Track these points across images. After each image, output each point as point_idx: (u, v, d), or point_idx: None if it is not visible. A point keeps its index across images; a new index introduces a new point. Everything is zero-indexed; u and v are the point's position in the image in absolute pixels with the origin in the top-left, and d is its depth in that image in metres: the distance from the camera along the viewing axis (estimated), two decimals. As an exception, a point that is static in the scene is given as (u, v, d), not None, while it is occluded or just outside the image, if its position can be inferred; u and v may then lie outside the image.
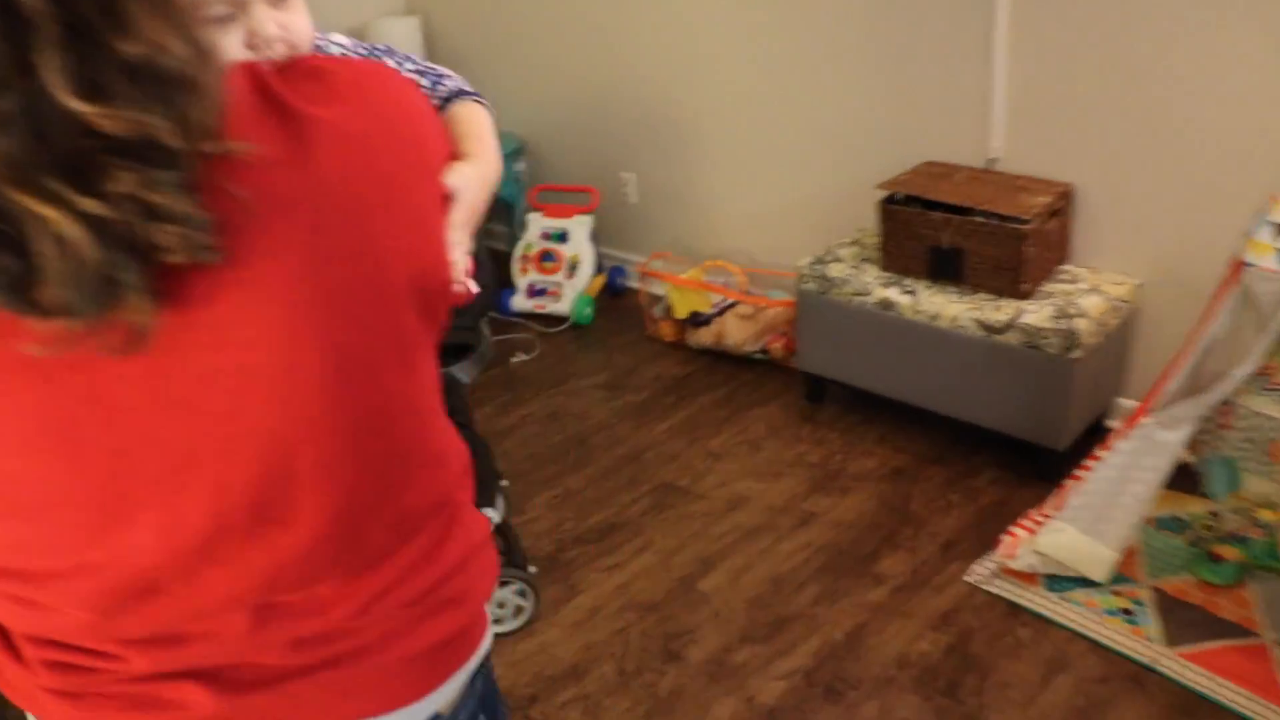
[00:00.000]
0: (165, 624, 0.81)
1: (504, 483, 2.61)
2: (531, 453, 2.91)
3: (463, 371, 2.09)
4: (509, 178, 3.96)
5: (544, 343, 3.55)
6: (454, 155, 0.86)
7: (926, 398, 2.76)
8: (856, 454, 2.82)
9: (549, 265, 3.69)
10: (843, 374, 2.92)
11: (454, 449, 0.93)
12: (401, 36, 4.00)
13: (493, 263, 1.92)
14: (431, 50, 4.17)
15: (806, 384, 3.05)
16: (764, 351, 3.24)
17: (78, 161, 0.59)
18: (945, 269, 2.69)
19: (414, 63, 1.07)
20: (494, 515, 2.23)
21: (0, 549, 0.76)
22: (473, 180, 0.85)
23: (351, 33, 4.06)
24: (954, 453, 2.78)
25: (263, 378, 0.71)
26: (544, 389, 3.25)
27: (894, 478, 2.71)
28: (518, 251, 3.76)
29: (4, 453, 0.70)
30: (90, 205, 0.59)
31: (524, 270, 3.73)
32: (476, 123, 0.98)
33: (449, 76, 1.07)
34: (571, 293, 3.64)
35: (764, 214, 3.42)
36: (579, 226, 3.68)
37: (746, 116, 3.32)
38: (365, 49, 1.05)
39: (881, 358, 2.80)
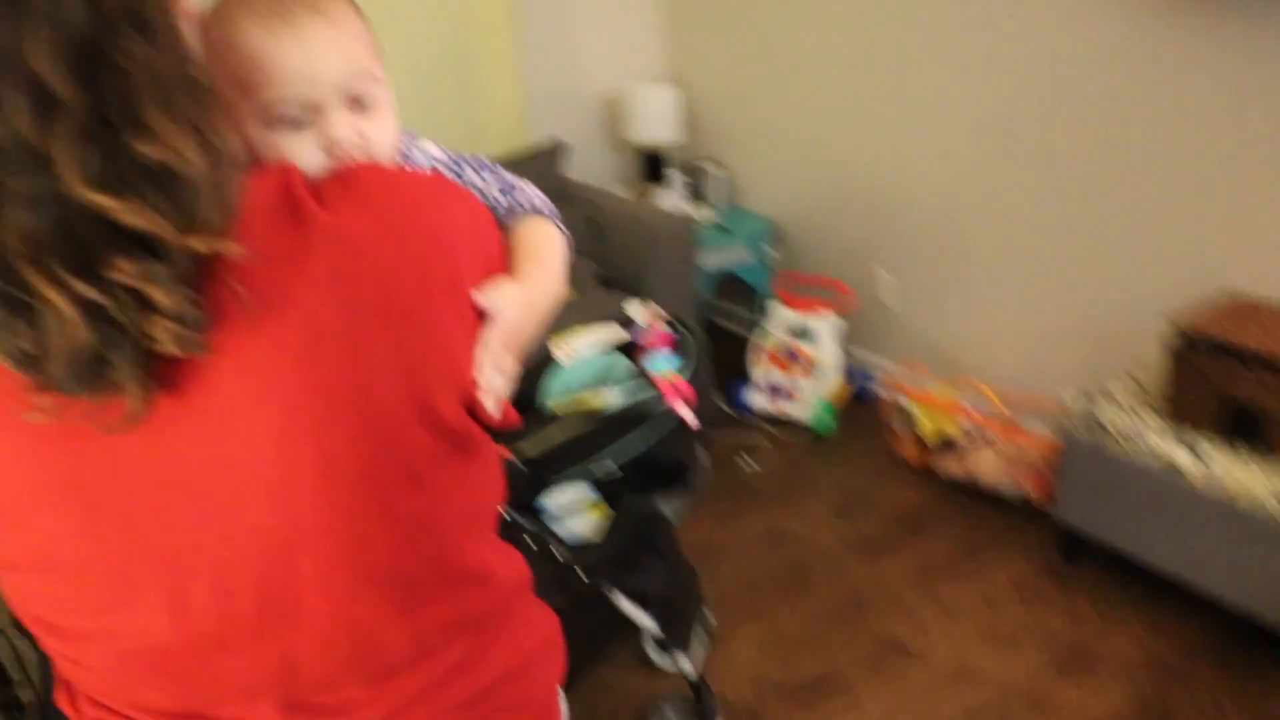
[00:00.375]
0: (187, 703, 0.82)
1: (708, 613, 2.44)
2: (745, 577, 2.72)
3: (669, 507, 1.95)
4: (756, 260, 3.80)
5: (777, 450, 3.34)
6: (503, 271, 0.85)
7: (1207, 578, 2.35)
8: (1112, 632, 2.44)
9: (790, 363, 3.49)
10: (1106, 533, 2.55)
11: (501, 564, 0.91)
12: (660, 106, 3.94)
13: (710, 399, 1.76)
14: (689, 121, 4.08)
15: (1062, 538, 2.69)
16: (1016, 491, 2.90)
17: (82, 247, 0.62)
18: (1244, 430, 2.29)
19: (498, 177, 1.03)
20: (686, 667, 2.06)
21: (38, 602, 0.80)
22: (515, 300, 0.82)
23: (610, 99, 4.01)
24: (1235, 652, 2.36)
25: (261, 475, 0.73)
26: (769, 503, 3.05)
27: (1156, 670, 2.32)
28: (758, 342, 3.58)
29: (35, 510, 0.74)
30: (87, 291, 0.63)
31: (762, 364, 3.55)
32: (538, 242, 0.94)
33: (527, 194, 1.04)
34: (812, 397, 3.43)
35: (1028, 331, 3.08)
36: (826, 325, 3.47)
37: (1016, 220, 3.01)
38: (453, 158, 1.03)
39: (1156, 523, 2.42)
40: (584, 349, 1.95)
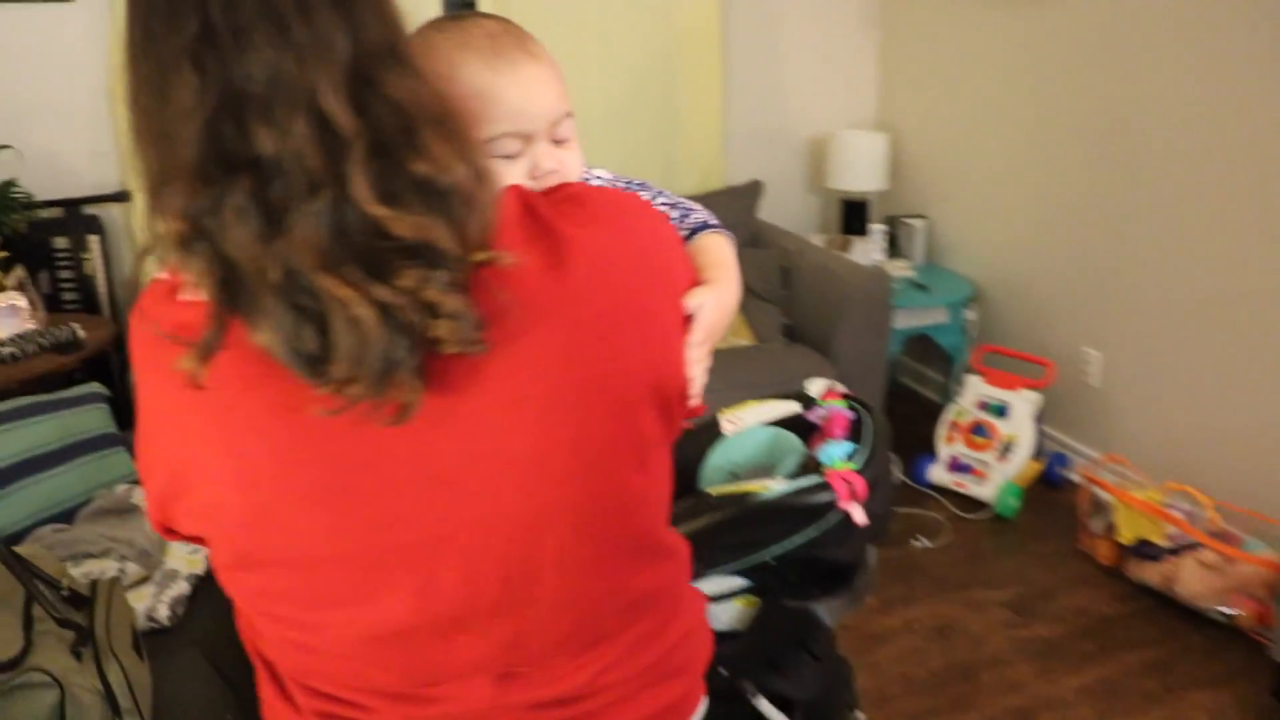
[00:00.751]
0: (416, 681, 0.88)
1: (860, 717, 2.26)
2: (905, 673, 2.52)
3: (829, 611, 1.80)
4: (954, 326, 3.58)
5: (954, 529, 3.11)
6: (696, 281, 0.94)
7: None
8: (1330, 797, 2.13)
9: (980, 440, 3.26)
10: (1330, 681, 2.24)
11: (678, 543, 1.02)
12: (866, 150, 3.80)
13: (890, 489, 1.62)
14: (894, 168, 3.90)
15: (1277, 675, 2.38)
16: (1226, 615, 2.59)
17: (371, 256, 0.69)
18: None
19: (666, 197, 1.15)
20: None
21: (277, 596, 0.85)
22: (710, 304, 0.93)
23: (813, 142, 3.95)
24: None
25: (516, 464, 0.79)
26: (940, 590, 2.83)
27: None
28: (947, 415, 3.36)
29: (285, 505, 0.79)
30: (381, 293, 0.69)
31: (950, 439, 3.33)
32: (719, 252, 1.05)
33: (697, 210, 1.14)
34: (999, 477, 3.19)
35: (1258, 438, 2.76)
36: (1024, 403, 3.22)
37: (1258, 311, 2.70)
38: (624, 183, 1.14)
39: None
40: (752, 421, 1.83)
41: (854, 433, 1.66)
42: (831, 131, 3.88)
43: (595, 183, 1.07)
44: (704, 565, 1.58)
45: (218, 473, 0.80)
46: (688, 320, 0.91)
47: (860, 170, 3.81)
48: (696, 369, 0.92)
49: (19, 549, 1.78)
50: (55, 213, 3.06)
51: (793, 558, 1.54)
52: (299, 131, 0.68)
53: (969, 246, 3.74)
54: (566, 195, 0.85)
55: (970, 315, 3.66)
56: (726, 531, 1.54)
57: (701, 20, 3.66)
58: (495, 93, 0.88)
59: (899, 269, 3.71)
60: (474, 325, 0.73)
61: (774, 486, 1.54)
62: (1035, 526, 3.12)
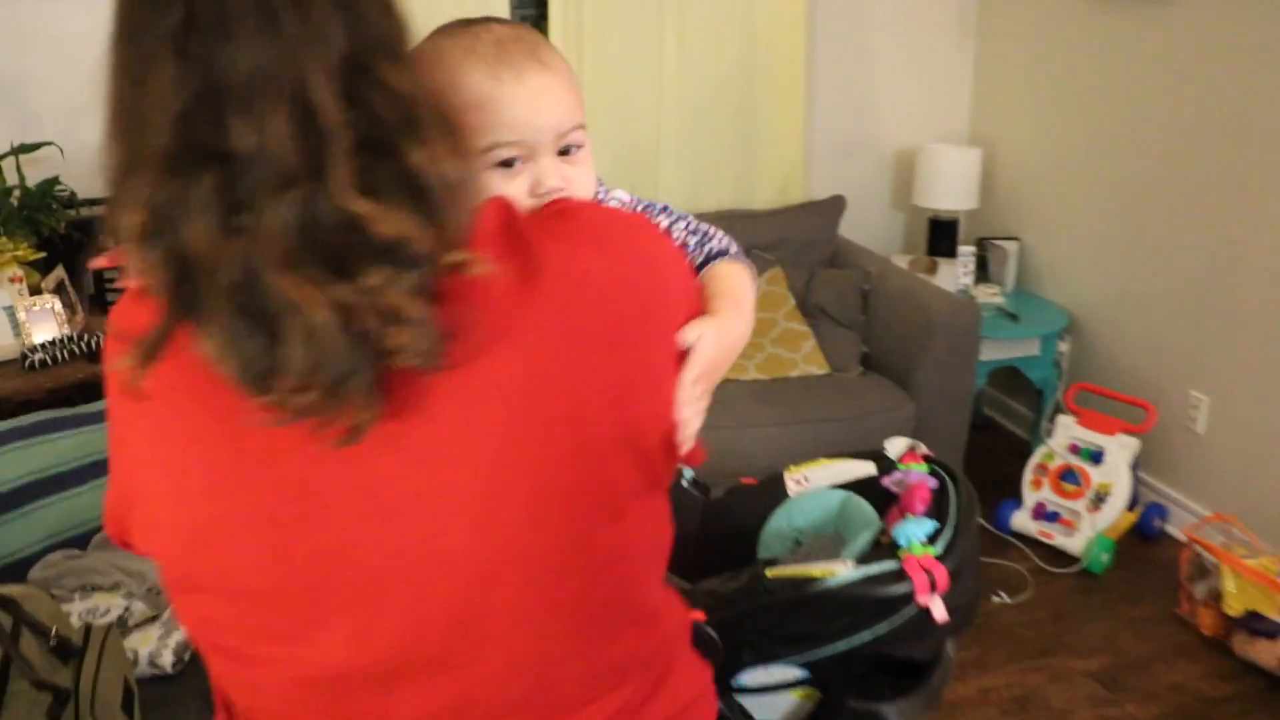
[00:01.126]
0: None
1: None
2: (980, 749, 2.30)
3: (900, 714, 1.59)
4: (1046, 359, 3.33)
5: (1038, 585, 2.86)
6: (700, 312, 0.86)
7: None
8: None
9: (1070, 488, 3.00)
10: None
11: (667, 607, 0.92)
12: (957, 165, 3.57)
13: (974, 579, 1.42)
14: (986, 185, 3.65)
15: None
16: (1347, 705, 2.32)
17: (338, 254, 0.66)
18: None
19: (688, 223, 1.06)
20: None
21: (218, 626, 0.81)
22: (710, 336, 0.84)
23: (900, 157, 3.69)
24: None
25: (467, 504, 0.73)
26: (1020, 654, 2.59)
27: None
28: (1035, 459, 3.11)
29: (223, 528, 0.75)
30: (342, 292, 0.66)
31: (1036, 484, 3.08)
32: (730, 281, 0.96)
33: (716, 237, 1.05)
34: (1090, 530, 2.93)
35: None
36: (1120, 450, 2.96)
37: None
38: (643, 205, 1.06)
39: None
40: (820, 480, 1.63)
41: (936, 507, 1.46)
42: (920, 145, 3.65)
43: (611, 203, 1.01)
44: (754, 656, 1.39)
45: (158, 487, 0.78)
46: (683, 355, 0.82)
47: (950, 187, 3.57)
48: (688, 410, 0.82)
49: (16, 588, 1.68)
50: (100, 210, 2.97)
51: (860, 653, 1.35)
52: (278, 125, 0.65)
53: (1065, 273, 3.48)
54: (558, 210, 0.80)
55: (1064, 348, 3.40)
56: (783, 621, 1.35)
57: (784, 25, 3.46)
58: (497, 102, 0.84)
59: (988, 295, 3.47)
60: (435, 337, 0.68)
61: (841, 572, 1.34)
62: (1128, 586, 2.86)
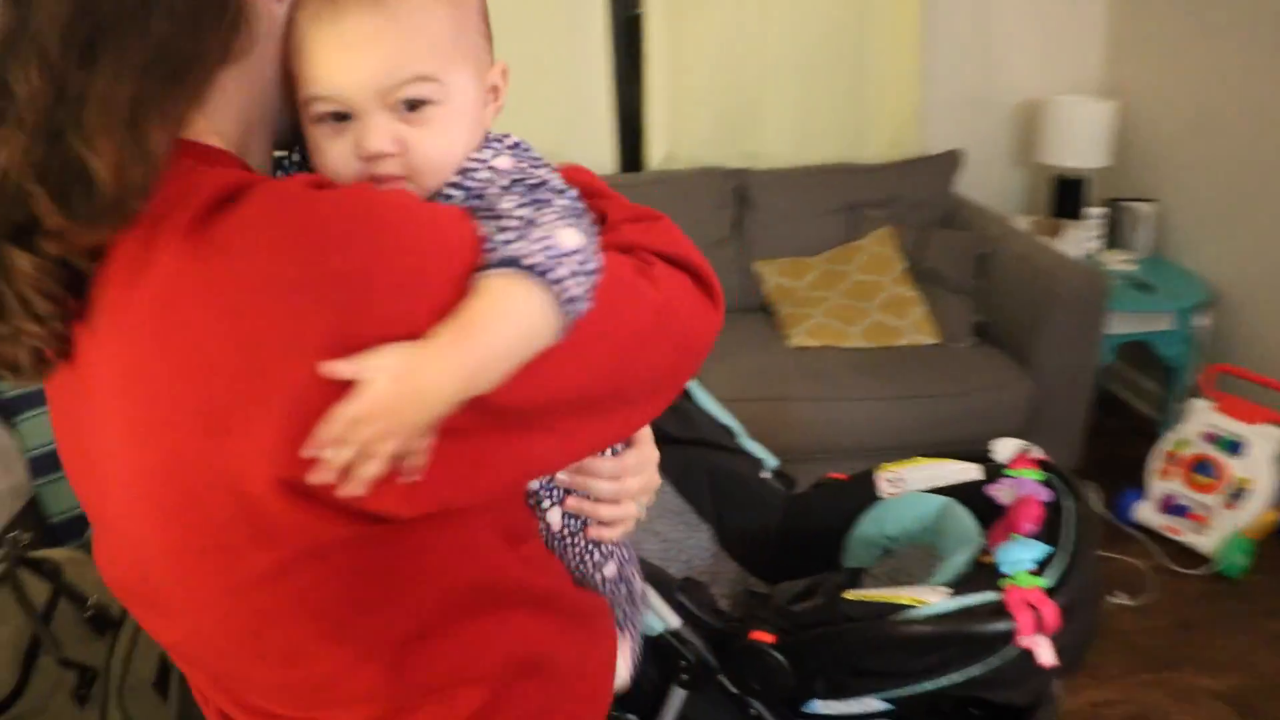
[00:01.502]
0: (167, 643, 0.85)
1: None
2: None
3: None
4: (1180, 335, 3.04)
5: (1162, 586, 2.60)
6: (420, 334, 0.67)
7: None
8: None
9: (1203, 480, 2.72)
10: None
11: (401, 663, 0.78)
12: (1088, 120, 3.28)
13: (1091, 615, 1.21)
14: (1120, 142, 3.33)
15: None
16: None
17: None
18: None
19: (551, 209, 0.75)
20: None
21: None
22: (388, 371, 0.65)
23: (1025, 109, 3.32)
24: None
25: (119, 469, 0.72)
26: (1140, 666, 2.34)
27: None
28: (1164, 444, 2.83)
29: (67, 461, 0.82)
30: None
31: (1165, 473, 2.80)
32: (483, 307, 0.69)
33: (547, 243, 0.72)
34: (1225, 527, 2.65)
35: None
36: (1264, 441, 2.66)
37: None
38: (515, 177, 0.79)
39: None
40: (916, 483, 1.44)
41: (1049, 527, 1.25)
42: (1046, 97, 3.36)
43: (482, 172, 0.80)
44: (827, 688, 1.22)
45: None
46: (341, 386, 0.65)
47: (1078, 143, 3.28)
48: (331, 451, 0.65)
49: (61, 551, 1.63)
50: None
51: (949, 692, 1.16)
52: None
53: (1206, 240, 3.16)
54: (236, 190, 0.67)
55: (1202, 324, 3.09)
56: (860, 654, 1.18)
57: (900, -33, 3.21)
58: (311, 48, 0.75)
59: (1118, 262, 3.19)
60: (49, 322, 0.69)
61: (932, 601, 1.15)
62: (1267, 595, 2.57)
